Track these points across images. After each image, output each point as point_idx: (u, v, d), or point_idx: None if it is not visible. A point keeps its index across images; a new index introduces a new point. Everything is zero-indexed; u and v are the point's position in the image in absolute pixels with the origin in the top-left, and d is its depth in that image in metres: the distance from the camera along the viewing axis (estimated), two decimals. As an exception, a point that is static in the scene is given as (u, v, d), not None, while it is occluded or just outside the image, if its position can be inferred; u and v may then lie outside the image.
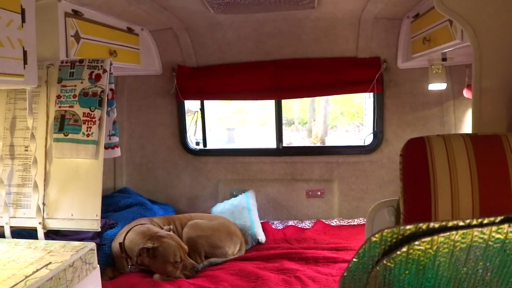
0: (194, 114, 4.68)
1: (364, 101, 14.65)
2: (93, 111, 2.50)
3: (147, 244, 3.05)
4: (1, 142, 2.53)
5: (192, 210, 4.48)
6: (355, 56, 4.06)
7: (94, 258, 2.36)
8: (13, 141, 2.60)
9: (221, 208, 4.08)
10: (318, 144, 11.30)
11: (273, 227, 4.16)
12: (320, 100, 14.08)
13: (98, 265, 2.36)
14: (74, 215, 2.47)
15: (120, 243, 3.19)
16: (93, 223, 2.44)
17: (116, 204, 3.96)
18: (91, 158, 2.47)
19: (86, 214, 2.45)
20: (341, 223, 4.19)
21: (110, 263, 3.28)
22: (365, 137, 4.62)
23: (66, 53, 2.72)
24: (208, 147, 4.67)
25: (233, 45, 4.10)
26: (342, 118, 16.09)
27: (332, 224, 4.18)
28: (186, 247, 3.17)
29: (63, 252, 2.24)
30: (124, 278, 3.05)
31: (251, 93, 4.25)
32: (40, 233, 2.49)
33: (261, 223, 4.02)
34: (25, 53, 2.24)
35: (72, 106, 2.53)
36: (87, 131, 2.49)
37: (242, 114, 16.30)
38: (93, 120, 2.49)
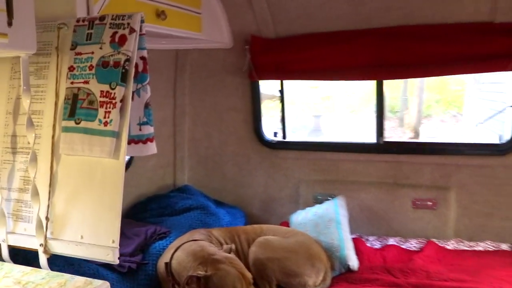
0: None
1: (465, 88, 12.99)
2: (113, 89, 1.73)
3: (198, 270, 2.26)
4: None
5: (266, 216, 3.68)
6: (491, 20, 2.94)
7: (108, 304, 1.61)
8: (16, 130, 1.92)
9: (302, 218, 3.21)
10: (430, 140, 9.87)
11: (368, 245, 3.20)
12: (413, 87, 12.73)
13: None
14: (84, 237, 1.73)
15: (166, 263, 2.45)
16: (107, 253, 1.69)
17: (172, 207, 3.25)
18: (107, 157, 1.70)
19: (99, 238, 1.70)
20: (460, 247, 3.14)
21: (155, 286, 2.55)
22: (470, 129, 3.48)
23: (87, 10, 1.97)
24: (288, 138, 3.80)
25: (323, 8, 3.19)
26: (437, 107, 14.62)
27: (447, 247, 3.14)
28: (250, 276, 2.34)
29: (56, 299, 1.51)
30: (166, 312, 2.31)
31: (345, 72, 3.31)
32: (42, 259, 1.79)
33: (352, 238, 3.08)
34: (9, 1, 1.53)
35: (87, 82, 1.79)
36: (104, 117, 1.73)
37: (330, 101, 15.33)
38: (113, 101, 1.72)
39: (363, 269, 2.79)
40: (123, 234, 2.82)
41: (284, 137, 3.76)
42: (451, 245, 3.16)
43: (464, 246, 3.15)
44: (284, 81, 3.70)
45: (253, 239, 2.75)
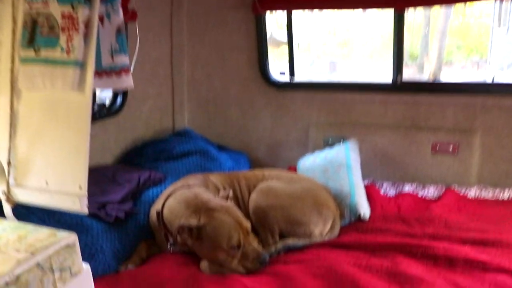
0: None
1: (490, 32, 12.28)
2: (75, 10, 1.45)
3: (190, 219, 2.06)
4: None
5: (272, 161, 3.47)
6: None
7: (75, 259, 1.42)
8: (-27, 63, 1.67)
9: (310, 163, 2.97)
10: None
11: (382, 191, 2.97)
12: (435, 31, 12.09)
13: (86, 266, 1.44)
14: (49, 183, 1.52)
15: (157, 212, 2.25)
16: (74, 201, 1.47)
17: (169, 151, 3.02)
18: (70, 89, 1.45)
19: (65, 183, 1.49)
20: (483, 195, 2.89)
21: (148, 236, 2.37)
22: (493, 74, 3.13)
23: None
24: (297, 79, 3.49)
25: None
26: (458, 53, 14.04)
27: (469, 195, 2.88)
28: (248, 225, 2.13)
29: (11, 254, 1.31)
30: (156, 264, 2.13)
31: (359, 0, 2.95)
32: (7, 209, 1.59)
33: (364, 185, 2.84)
34: None
35: (46, 4, 1.50)
36: (67, 44, 1.46)
37: (347, 47, 14.81)
38: (76, 25, 1.44)
39: (375, 218, 2.56)
40: (114, 181, 2.63)
41: (291, 75, 3.46)
42: (473, 192, 2.90)
43: (487, 193, 2.89)
44: (294, 21, 3.35)
45: (255, 185, 2.53)
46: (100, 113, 2.78)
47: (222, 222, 2.05)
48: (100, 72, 1.59)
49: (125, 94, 2.97)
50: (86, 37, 1.45)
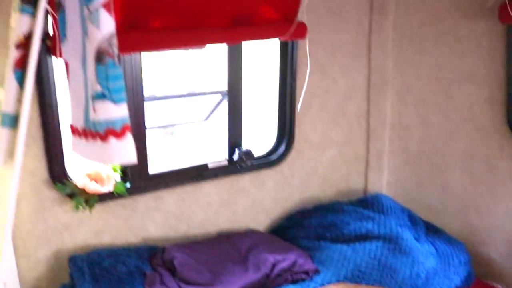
0: None
1: None
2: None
3: None
4: None
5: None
6: None
7: None
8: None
9: None
10: None
11: None
12: None
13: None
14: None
15: None
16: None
17: (338, 228, 2.09)
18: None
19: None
20: None
21: None
22: None
23: None
24: None
25: None
26: None
27: None
28: None
29: None
30: None
31: None
32: None
33: None
34: None
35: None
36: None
37: None
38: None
39: None
40: (243, 262, 1.90)
41: None
42: None
43: None
44: None
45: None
46: (248, 161, 2.09)
47: None
48: (78, 130, 0.87)
49: (290, 138, 2.21)
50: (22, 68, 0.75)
